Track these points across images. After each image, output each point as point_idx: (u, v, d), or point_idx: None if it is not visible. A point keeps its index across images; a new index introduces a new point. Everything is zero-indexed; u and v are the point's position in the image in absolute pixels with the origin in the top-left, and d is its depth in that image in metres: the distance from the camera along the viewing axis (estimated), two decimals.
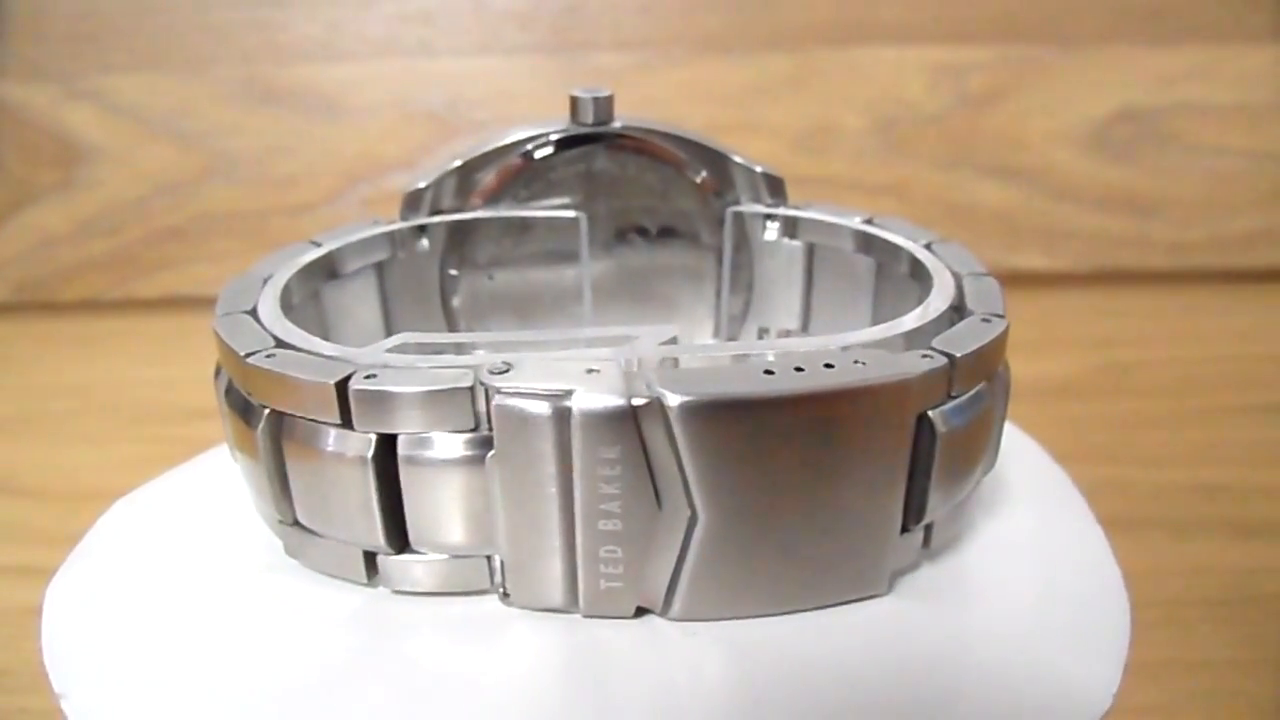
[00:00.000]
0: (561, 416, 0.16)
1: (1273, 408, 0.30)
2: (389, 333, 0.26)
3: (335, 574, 0.20)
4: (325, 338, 0.24)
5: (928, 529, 0.20)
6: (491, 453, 0.17)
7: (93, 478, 0.27)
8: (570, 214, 0.26)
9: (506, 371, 0.17)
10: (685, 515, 0.17)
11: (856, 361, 0.17)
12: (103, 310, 0.42)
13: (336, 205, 0.40)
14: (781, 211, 0.27)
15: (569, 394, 0.16)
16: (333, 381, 0.17)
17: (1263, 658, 0.20)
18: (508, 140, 0.26)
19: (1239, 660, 0.20)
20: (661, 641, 0.18)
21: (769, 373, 0.17)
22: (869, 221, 0.26)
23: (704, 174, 0.27)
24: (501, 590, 0.19)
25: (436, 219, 0.26)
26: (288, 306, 0.22)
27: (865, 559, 0.19)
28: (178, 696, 0.17)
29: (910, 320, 0.20)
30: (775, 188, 0.27)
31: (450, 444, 0.17)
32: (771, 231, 0.27)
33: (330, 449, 0.18)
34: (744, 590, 0.18)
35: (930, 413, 0.18)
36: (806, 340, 0.20)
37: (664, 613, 0.18)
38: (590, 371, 0.17)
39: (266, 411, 0.18)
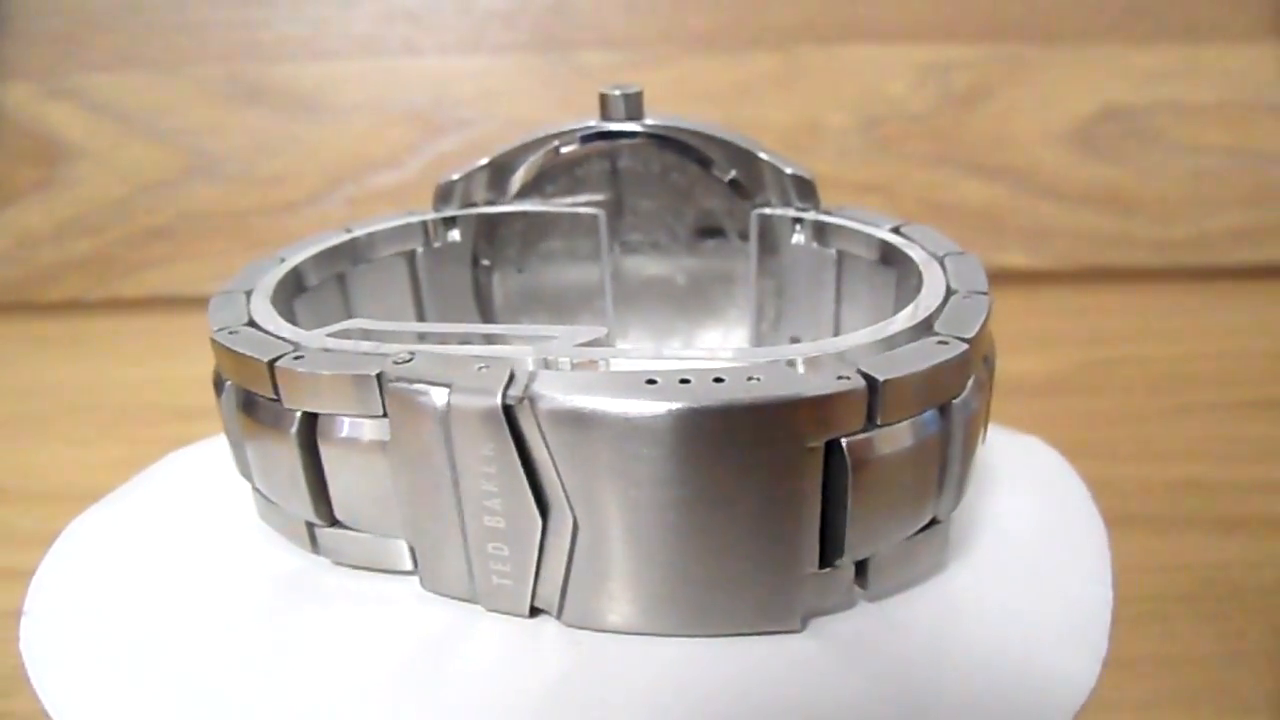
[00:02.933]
0: (445, 410, 0.17)
1: (1254, 404, 0.30)
2: (420, 319, 0.28)
3: (290, 539, 0.21)
4: (349, 316, 0.26)
5: (862, 567, 0.18)
6: (390, 439, 0.18)
7: (75, 479, 0.27)
8: (590, 210, 0.26)
9: (408, 362, 0.17)
10: (569, 521, 0.17)
11: (750, 378, 0.16)
12: (85, 311, 0.41)
13: (320, 205, 0.40)
14: (808, 216, 0.25)
15: (450, 388, 0.17)
16: (265, 359, 0.18)
17: (1242, 652, 0.20)
18: (536, 136, 0.26)
19: (1219, 655, 0.20)
20: (542, 645, 0.18)
21: (651, 382, 0.16)
22: (897, 230, 0.24)
23: (733, 173, 0.26)
24: (421, 574, 0.19)
25: (464, 211, 0.27)
26: (299, 288, 0.24)
27: (768, 591, 0.17)
28: (102, 613, 0.19)
29: (863, 335, 0.19)
30: (804, 190, 0.25)
31: (361, 428, 0.18)
32: (799, 236, 0.26)
33: (268, 422, 0.19)
34: (634, 606, 0.18)
35: (844, 440, 0.16)
36: (744, 351, 0.19)
37: (559, 616, 0.18)
38: (481, 368, 0.17)
39: (228, 384, 0.20)
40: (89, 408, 0.32)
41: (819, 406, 0.16)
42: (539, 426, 0.16)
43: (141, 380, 0.34)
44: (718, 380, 0.16)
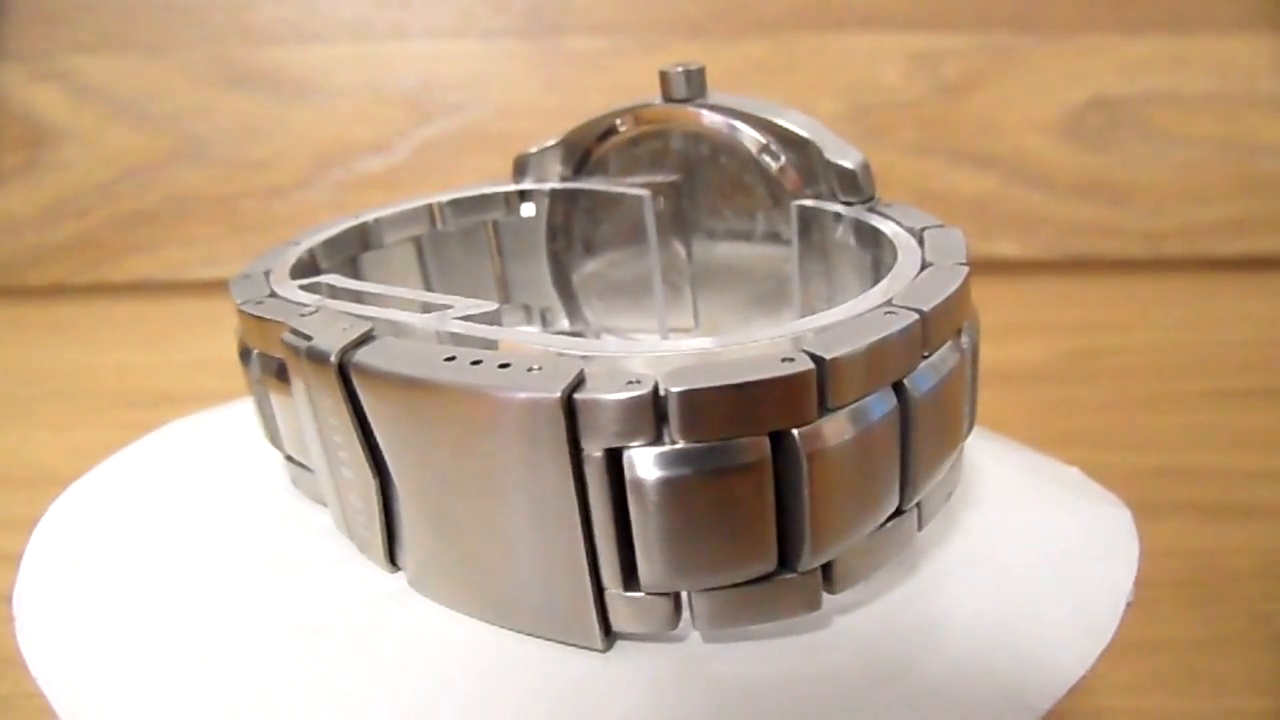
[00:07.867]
0: (303, 362, 0.18)
1: (1241, 393, 0.31)
2: (503, 287, 0.29)
3: (282, 468, 0.23)
4: (427, 284, 0.28)
5: (689, 599, 0.16)
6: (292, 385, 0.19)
7: (59, 463, 0.26)
8: (637, 192, 0.26)
9: (312, 315, 0.19)
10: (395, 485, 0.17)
11: (531, 369, 0.15)
12: (70, 295, 0.41)
13: (308, 189, 0.40)
14: (849, 213, 0.22)
15: (309, 340, 0.18)
16: (239, 302, 0.21)
17: (1227, 636, 0.20)
18: (603, 114, 0.26)
19: (1205, 639, 0.20)
20: (365, 597, 0.18)
21: (450, 359, 0.16)
22: (921, 233, 0.20)
23: (783, 159, 0.24)
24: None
25: (535, 186, 0.28)
26: (364, 245, 0.26)
27: (565, 601, 0.16)
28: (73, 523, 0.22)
29: (760, 331, 0.17)
30: (848, 183, 0.22)
31: (285, 370, 0.20)
32: (842, 233, 0.23)
33: (244, 359, 0.22)
34: (449, 584, 0.18)
35: (627, 453, 0.15)
36: (617, 344, 0.17)
37: (408, 577, 0.19)
38: (344, 329, 0.18)
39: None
40: (74, 393, 0.33)
41: (588, 412, 0.14)
42: (362, 388, 0.17)
43: (127, 365, 0.35)
44: (503, 366, 0.15)
